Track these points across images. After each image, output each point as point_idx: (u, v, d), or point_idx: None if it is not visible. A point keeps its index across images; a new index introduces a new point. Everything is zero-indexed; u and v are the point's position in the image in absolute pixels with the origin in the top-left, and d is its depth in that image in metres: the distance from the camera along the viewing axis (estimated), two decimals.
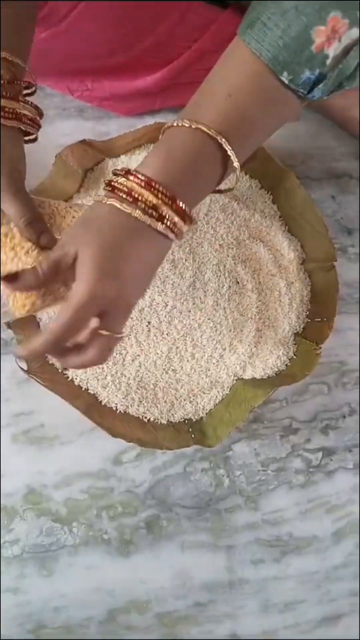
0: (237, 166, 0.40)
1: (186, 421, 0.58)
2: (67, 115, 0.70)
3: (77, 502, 0.60)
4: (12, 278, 0.41)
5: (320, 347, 0.57)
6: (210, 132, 0.38)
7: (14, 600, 0.57)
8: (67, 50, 0.61)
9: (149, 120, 0.64)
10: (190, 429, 0.57)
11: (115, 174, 0.40)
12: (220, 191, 0.45)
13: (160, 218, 0.38)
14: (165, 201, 0.38)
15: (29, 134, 0.45)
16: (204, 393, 0.58)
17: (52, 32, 0.57)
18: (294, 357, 0.59)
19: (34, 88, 0.45)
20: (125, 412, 0.57)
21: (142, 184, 0.38)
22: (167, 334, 0.59)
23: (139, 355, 0.58)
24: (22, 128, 0.43)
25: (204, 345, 0.59)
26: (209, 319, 0.60)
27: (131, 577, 0.59)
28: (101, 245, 0.38)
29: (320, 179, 0.70)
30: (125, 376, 0.57)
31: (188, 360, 0.59)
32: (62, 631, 0.57)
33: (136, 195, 0.38)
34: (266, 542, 0.60)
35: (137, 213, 0.38)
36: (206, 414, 0.58)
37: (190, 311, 0.60)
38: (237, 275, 0.61)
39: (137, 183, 0.38)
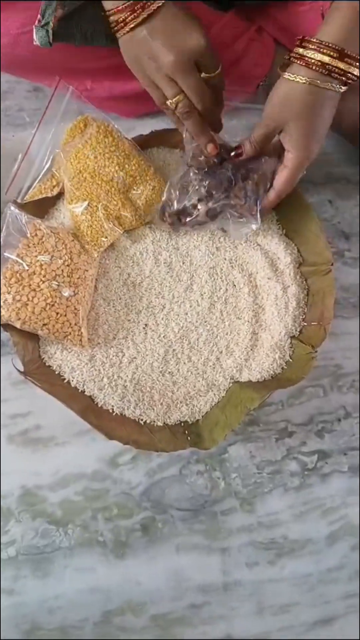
0: None
1: (182, 423, 0.58)
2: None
3: (72, 504, 0.60)
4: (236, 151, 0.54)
5: (316, 351, 0.57)
6: None
7: (9, 602, 0.57)
8: (67, 50, 0.61)
9: (149, 122, 0.64)
10: (186, 432, 0.57)
11: (302, 46, 0.47)
12: None
13: (347, 82, 0.46)
14: (355, 64, 0.45)
15: None
16: (200, 395, 0.59)
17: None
18: (290, 360, 0.59)
19: None
20: (121, 414, 0.57)
21: (336, 55, 0.45)
22: (163, 337, 0.59)
23: (135, 358, 0.58)
24: None
25: (201, 348, 0.59)
26: (205, 322, 0.60)
27: (126, 578, 0.59)
28: (306, 119, 0.48)
29: (318, 183, 0.71)
30: (121, 378, 0.57)
31: (184, 363, 0.59)
32: (57, 632, 0.57)
33: (331, 68, 0.45)
34: (261, 544, 0.60)
35: (333, 86, 0.46)
36: (202, 416, 0.58)
37: (187, 314, 0.60)
38: (233, 279, 0.61)
39: (329, 55, 0.45)
